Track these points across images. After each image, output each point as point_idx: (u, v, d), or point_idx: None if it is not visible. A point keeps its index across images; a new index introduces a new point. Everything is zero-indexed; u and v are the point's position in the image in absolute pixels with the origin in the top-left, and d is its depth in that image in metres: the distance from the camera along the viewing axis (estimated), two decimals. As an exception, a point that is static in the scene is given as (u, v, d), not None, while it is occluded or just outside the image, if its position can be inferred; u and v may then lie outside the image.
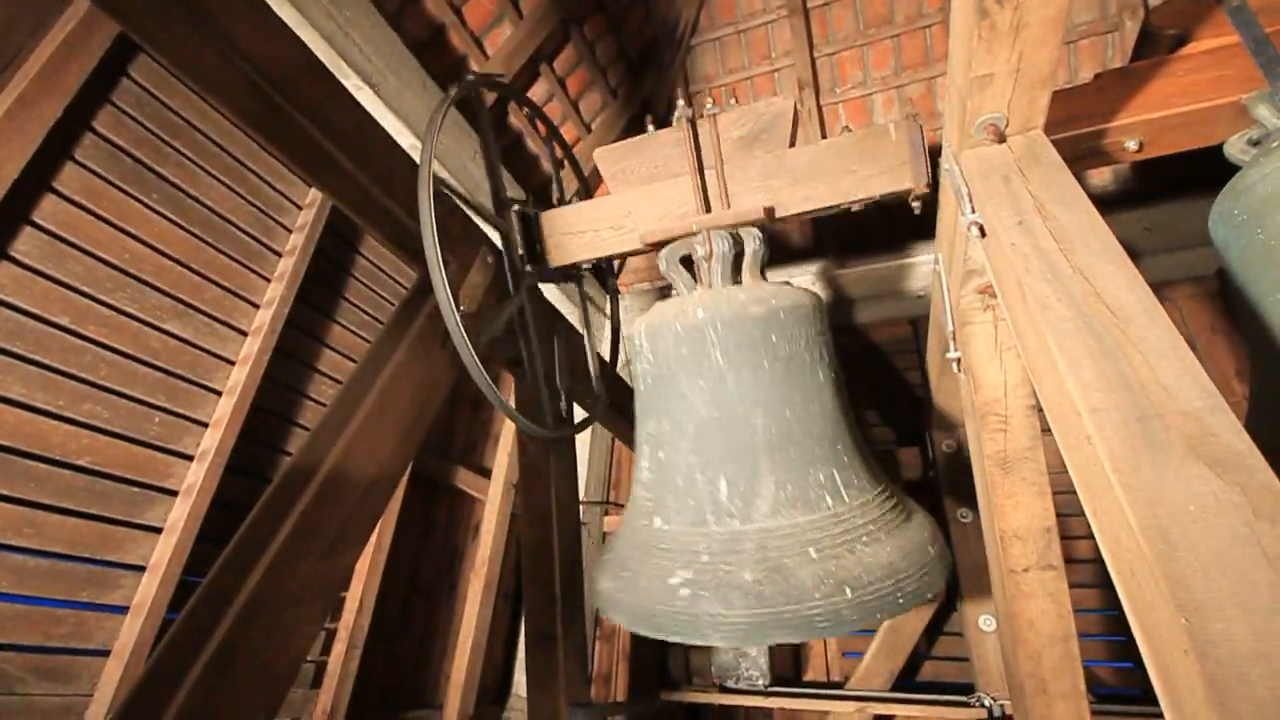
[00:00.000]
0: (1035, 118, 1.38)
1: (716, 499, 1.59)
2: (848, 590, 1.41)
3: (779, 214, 1.87)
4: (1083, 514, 0.92)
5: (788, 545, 1.49)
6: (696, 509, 1.61)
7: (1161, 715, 0.73)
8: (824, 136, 4.60)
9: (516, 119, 3.48)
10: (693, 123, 1.97)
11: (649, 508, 1.74)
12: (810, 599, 1.39)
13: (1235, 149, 1.60)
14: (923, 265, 3.67)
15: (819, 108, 4.60)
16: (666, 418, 1.76)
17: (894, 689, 3.20)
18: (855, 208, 1.88)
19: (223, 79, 1.57)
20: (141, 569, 2.15)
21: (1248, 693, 0.56)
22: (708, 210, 1.92)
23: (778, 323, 1.68)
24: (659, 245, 1.94)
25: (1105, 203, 1.20)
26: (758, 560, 1.47)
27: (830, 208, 1.86)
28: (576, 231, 2.21)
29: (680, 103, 1.96)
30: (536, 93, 3.71)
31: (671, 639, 1.49)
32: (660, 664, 3.72)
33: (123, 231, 2.20)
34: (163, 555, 2.16)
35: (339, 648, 2.95)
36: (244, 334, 2.54)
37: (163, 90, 2.33)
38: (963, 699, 2.78)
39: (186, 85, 2.33)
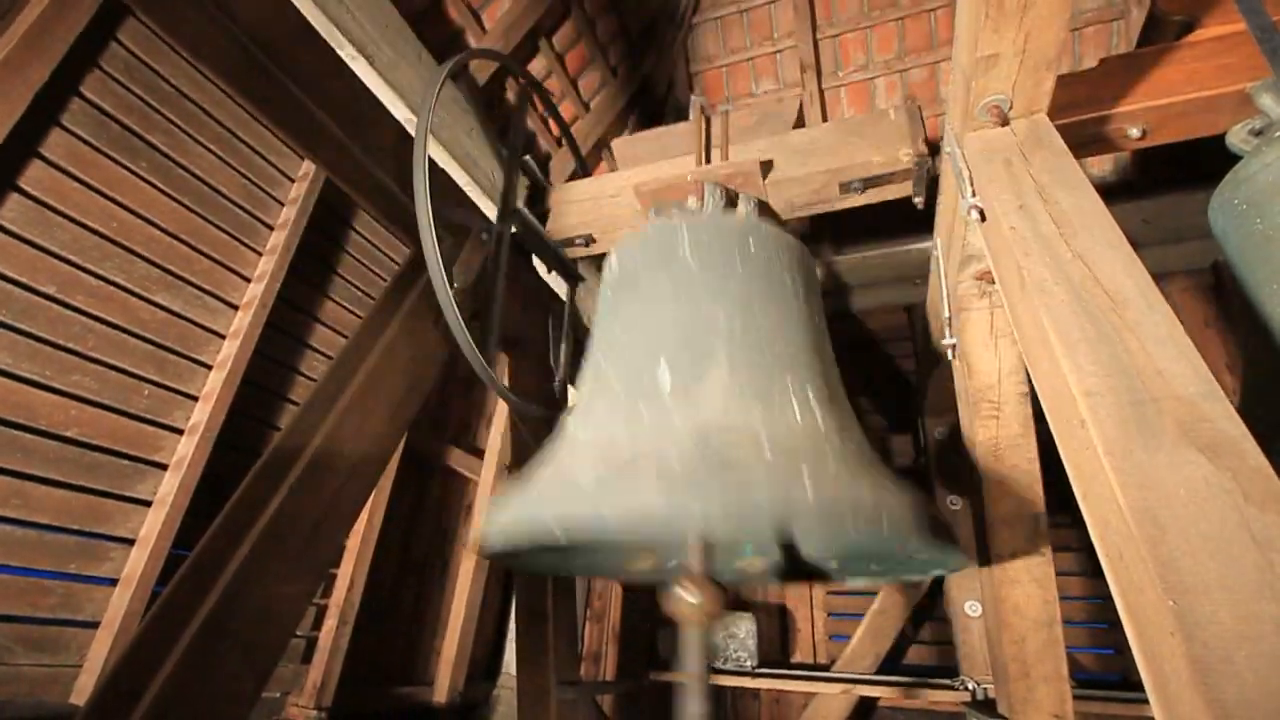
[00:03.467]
0: (1039, 101, 1.37)
1: (657, 385, 1.27)
2: (809, 491, 1.02)
3: (775, 175, 1.87)
4: (1070, 502, 0.92)
5: (737, 440, 1.13)
6: (629, 405, 1.27)
7: (1142, 700, 0.73)
8: (825, 120, 4.56)
9: (513, 95, 3.43)
10: (707, 118, 2.02)
11: (577, 420, 1.39)
12: (759, 497, 1.02)
13: (1237, 138, 1.59)
14: (920, 252, 3.65)
15: (820, 91, 4.55)
16: (619, 322, 1.51)
17: (879, 672, 3.24)
18: (854, 190, 1.88)
19: (214, 44, 1.53)
20: (131, 542, 2.14)
21: (1233, 674, 0.56)
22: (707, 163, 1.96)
23: (757, 233, 1.54)
24: (654, 198, 1.94)
25: (1105, 193, 1.19)
26: (696, 452, 1.10)
27: (828, 172, 1.88)
28: (576, 200, 2.22)
29: (695, 97, 2.04)
30: (534, 69, 3.65)
31: (571, 538, 1.12)
32: (649, 644, 3.75)
33: (111, 200, 2.15)
34: (152, 528, 2.15)
35: (330, 623, 2.96)
36: (235, 307, 2.51)
37: (152, 56, 2.27)
38: (947, 682, 2.82)
39: (177, 51, 2.28)
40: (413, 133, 1.79)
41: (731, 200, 1.85)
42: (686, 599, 0.96)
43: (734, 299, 1.42)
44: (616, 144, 2.14)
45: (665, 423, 1.20)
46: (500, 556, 1.44)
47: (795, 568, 1.50)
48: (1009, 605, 1.74)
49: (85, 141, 2.09)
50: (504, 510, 1.19)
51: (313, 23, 1.83)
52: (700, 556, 1.04)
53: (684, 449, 1.11)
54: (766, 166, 1.85)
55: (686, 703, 0.88)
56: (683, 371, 1.29)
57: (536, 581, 2.43)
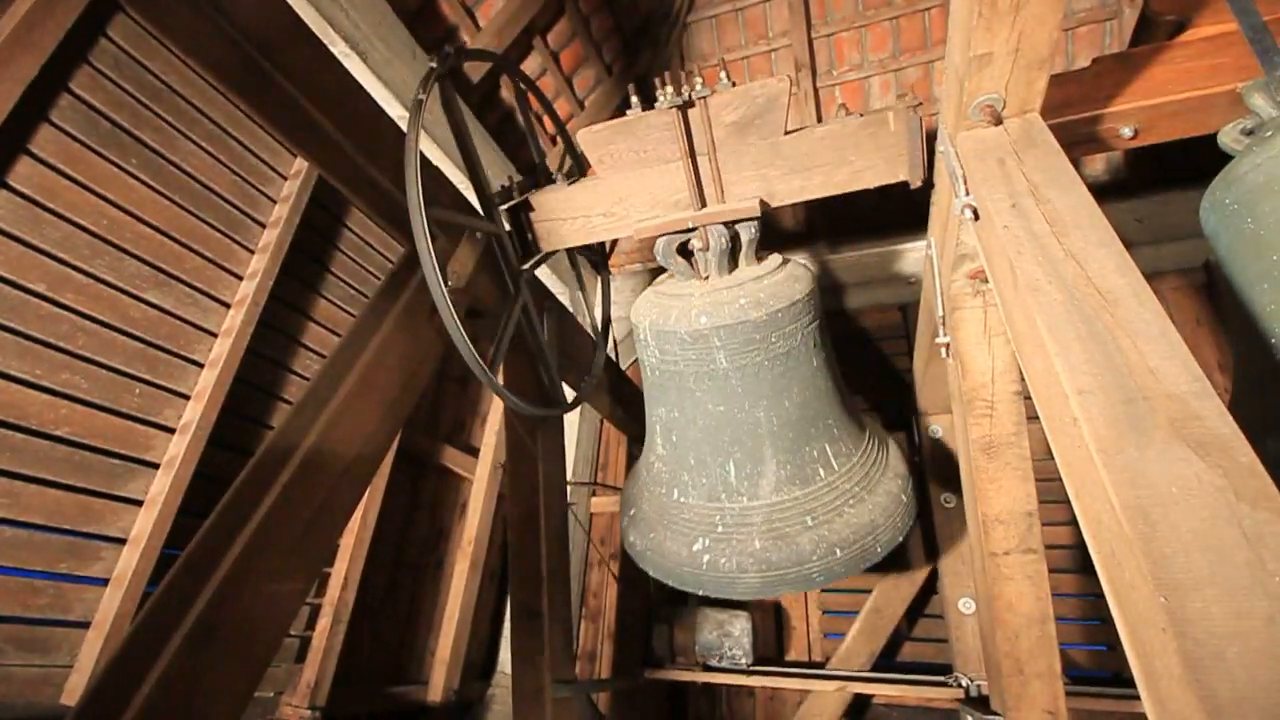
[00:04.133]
0: (1032, 100, 1.37)
1: (727, 481, 1.87)
2: (838, 551, 1.78)
3: (773, 204, 1.85)
4: (1062, 500, 0.92)
5: (789, 516, 1.82)
6: (710, 488, 1.90)
7: (1134, 696, 0.74)
8: (820, 119, 4.57)
9: (508, 92, 3.42)
10: (684, 110, 1.90)
11: (666, 479, 2.01)
12: (808, 561, 1.77)
13: (1229, 138, 1.60)
14: (914, 252, 3.67)
15: (815, 90, 4.56)
16: (677, 408, 1.95)
17: (874, 669, 3.25)
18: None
19: (204, 40, 1.52)
20: (122, 541, 2.13)
21: (1225, 670, 0.56)
22: (702, 203, 1.90)
23: (775, 324, 1.80)
24: (654, 238, 1.93)
25: (1097, 192, 1.19)
26: (764, 531, 1.80)
27: (826, 185, 1.85)
28: (568, 217, 2.17)
29: (668, 88, 1.88)
30: (529, 67, 3.64)
31: (696, 592, 1.89)
32: (644, 643, 3.76)
33: (101, 197, 2.14)
34: (143, 528, 2.14)
35: (324, 623, 2.95)
36: (226, 306, 2.49)
37: (143, 52, 2.26)
38: (941, 679, 2.83)
39: (167, 47, 2.26)
40: (406, 130, 1.78)
41: (733, 232, 1.87)
42: None
43: (766, 396, 1.82)
44: (583, 137, 2.02)
45: (740, 506, 1.87)
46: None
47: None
48: (1002, 602, 1.74)
49: (75, 138, 2.08)
50: (642, 546, 2.03)
51: (305, 19, 1.81)
52: None
53: (755, 527, 1.82)
54: (764, 205, 1.83)
55: None
56: (744, 469, 1.87)
57: (531, 580, 2.42)
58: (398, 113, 2.17)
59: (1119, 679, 2.98)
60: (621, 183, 2.01)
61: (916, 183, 1.73)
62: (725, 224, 1.84)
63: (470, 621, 3.62)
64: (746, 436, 1.85)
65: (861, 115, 1.80)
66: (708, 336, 1.82)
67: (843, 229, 3.97)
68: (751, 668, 3.31)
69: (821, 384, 1.90)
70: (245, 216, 2.58)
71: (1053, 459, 0.97)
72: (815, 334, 1.88)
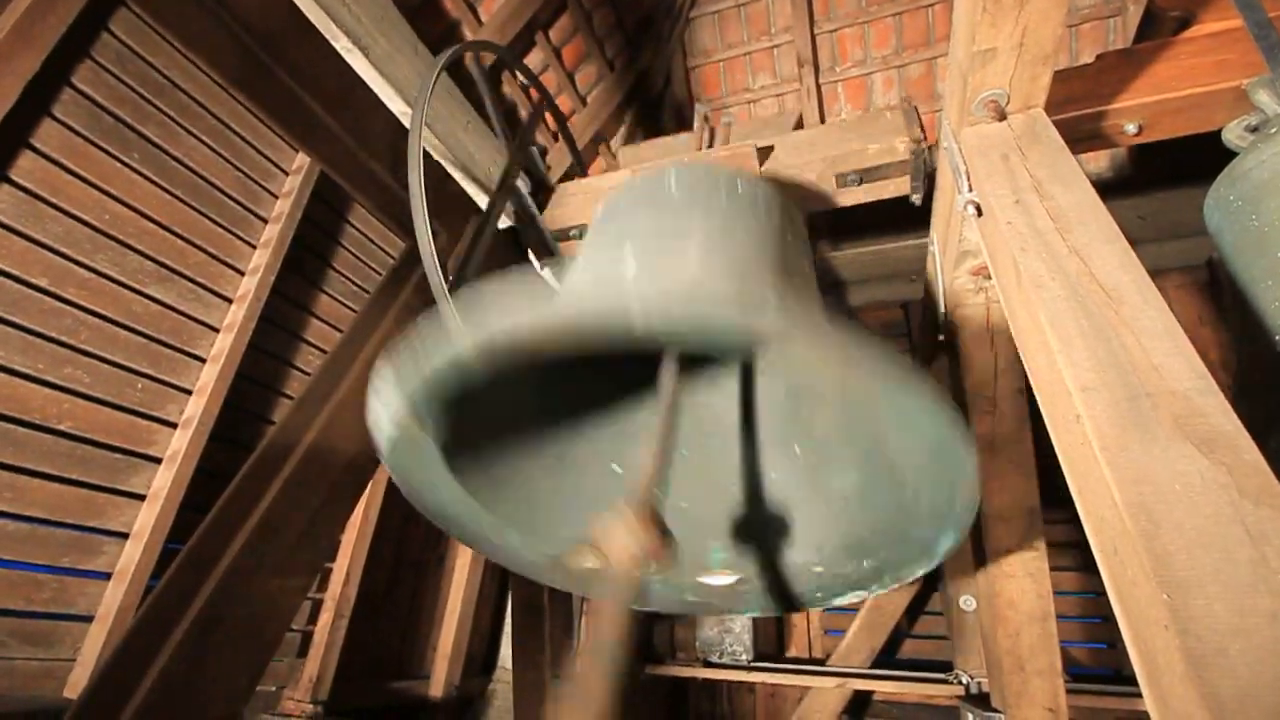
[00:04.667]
0: (1036, 95, 1.36)
1: (621, 270, 1.28)
2: (775, 316, 1.05)
3: (771, 163, 1.87)
4: (1064, 497, 0.92)
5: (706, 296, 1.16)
6: (595, 286, 1.32)
7: (1136, 694, 0.73)
8: (822, 116, 4.55)
9: (510, 88, 3.41)
10: (710, 127, 2.03)
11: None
12: (726, 314, 1.04)
13: (1233, 135, 1.59)
14: (916, 248, 3.66)
15: (818, 86, 4.54)
16: (591, 245, 1.51)
17: (874, 666, 3.26)
18: (851, 182, 1.88)
19: (207, 35, 1.52)
20: (124, 536, 2.13)
21: (1227, 668, 0.56)
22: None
23: (745, 177, 1.55)
24: None
25: (1101, 189, 1.19)
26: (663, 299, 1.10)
27: (825, 160, 1.88)
28: (574, 194, 2.23)
29: (699, 105, 2.06)
30: (531, 62, 3.64)
31: (517, 353, 1.01)
32: (645, 638, 3.76)
33: (103, 192, 2.14)
34: (146, 522, 2.14)
35: (325, 617, 2.96)
36: (228, 301, 2.49)
37: (145, 46, 2.25)
38: (941, 676, 2.83)
39: (169, 42, 2.26)
40: (408, 125, 1.78)
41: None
42: (621, 532, 0.73)
43: (713, 214, 1.39)
44: (621, 151, 2.16)
45: (626, 286, 1.20)
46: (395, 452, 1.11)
47: (772, 588, 1.36)
48: (1004, 600, 1.75)
49: (77, 133, 2.08)
50: (396, 364, 0.98)
51: (307, 14, 1.81)
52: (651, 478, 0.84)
53: (642, 294, 1.09)
54: (764, 153, 1.85)
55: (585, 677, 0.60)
56: (649, 258, 1.26)
57: (532, 576, 2.43)
58: (399, 108, 2.16)
59: (1120, 676, 2.98)
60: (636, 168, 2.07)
61: (912, 146, 1.77)
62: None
63: (472, 617, 3.62)
64: (675, 235, 1.38)
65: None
66: (664, 173, 1.59)
67: (843, 226, 3.96)
68: (752, 664, 3.32)
69: (792, 260, 1.48)
70: (247, 212, 2.58)
71: (1055, 456, 0.97)
72: (792, 228, 1.57)
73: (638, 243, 1.31)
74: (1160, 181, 3.31)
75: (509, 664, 3.63)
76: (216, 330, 2.45)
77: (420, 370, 0.94)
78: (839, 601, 1.35)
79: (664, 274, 1.18)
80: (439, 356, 0.93)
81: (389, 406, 0.99)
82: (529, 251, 2.47)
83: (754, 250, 1.32)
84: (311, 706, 2.79)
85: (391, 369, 0.96)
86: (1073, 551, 3.27)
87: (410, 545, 3.60)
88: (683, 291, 1.06)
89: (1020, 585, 1.74)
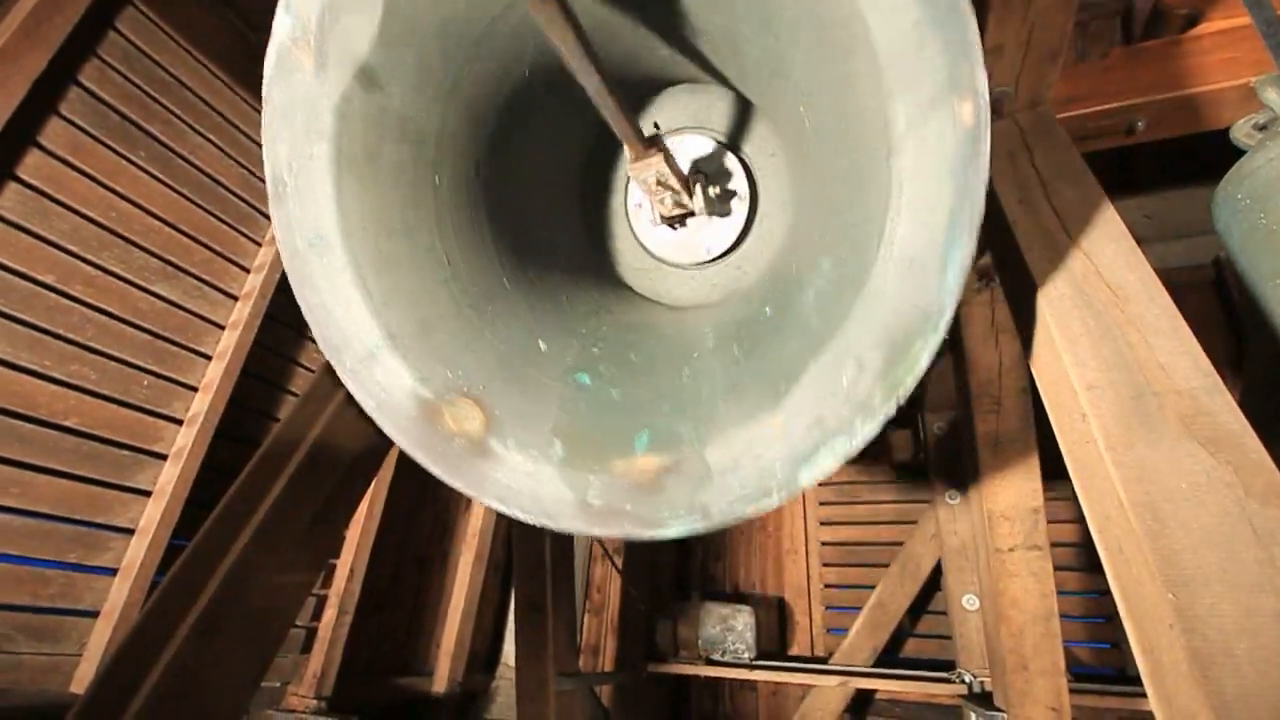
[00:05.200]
0: (1043, 93, 1.36)
1: None
2: None
3: None
4: (1068, 496, 0.92)
5: None
6: None
7: (1140, 694, 0.73)
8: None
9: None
10: None
11: None
12: None
13: (1241, 133, 1.58)
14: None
15: (822, 84, 4.53)
16: None
17: (877, 664, 3.25)
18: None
19: (213, 33, 1.52)
20: (130, 532, 2.15)
21: (1233, 667, 0.56)
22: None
23: None
24: None
25: (1107, 188, 1.18)
26: None
27: None
28: None
29: None
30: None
31: None
32: (647, 637, 3.77)
33: (110, 190, 2.15)
34: (151, 519, 2.16)
35: (329, 614, 2.97)
36: (234, 298, 2.50)
37: (151, 45, 2.26)
38: (944, 675, 2.83)
39: (176, 40, 2.27)
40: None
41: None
42: None
43: None
44: None
45: None
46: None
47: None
48: (1007, 599, 1.74)
49: (84, 131, 2.09)
50: None
51: (312, 11, 1.81)
52: None
53: None
54: None
55: None
56: None
57: (535, 573, 2.43)
58: (404, 106, 2.16)
59: (1124, 676, 2.97)
60: None
61: None
62: None
63: (475, 614, 3.63)
64: None
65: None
66: None
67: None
68: (754, 662, 3.32)
69: None
70: (253, 209, 2.59)
71: (1059, 455, 0.96)
72: None
73: None
74: (1167, 180, 3.30)
75: (512, 661, 3.64)
76: (222, 327, 2.46)
77: None
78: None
79: None
80: None
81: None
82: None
83: None
84: (315, 702, 2.80)
85: None
86: (1076, 550, 3.26)
87: (414, 542, 3.61)
88: None
89: (1024, 584, 1.74)
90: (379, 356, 0.92)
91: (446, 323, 0.97)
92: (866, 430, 0.72)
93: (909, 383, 0.71)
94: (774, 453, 0.76)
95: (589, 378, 1.00)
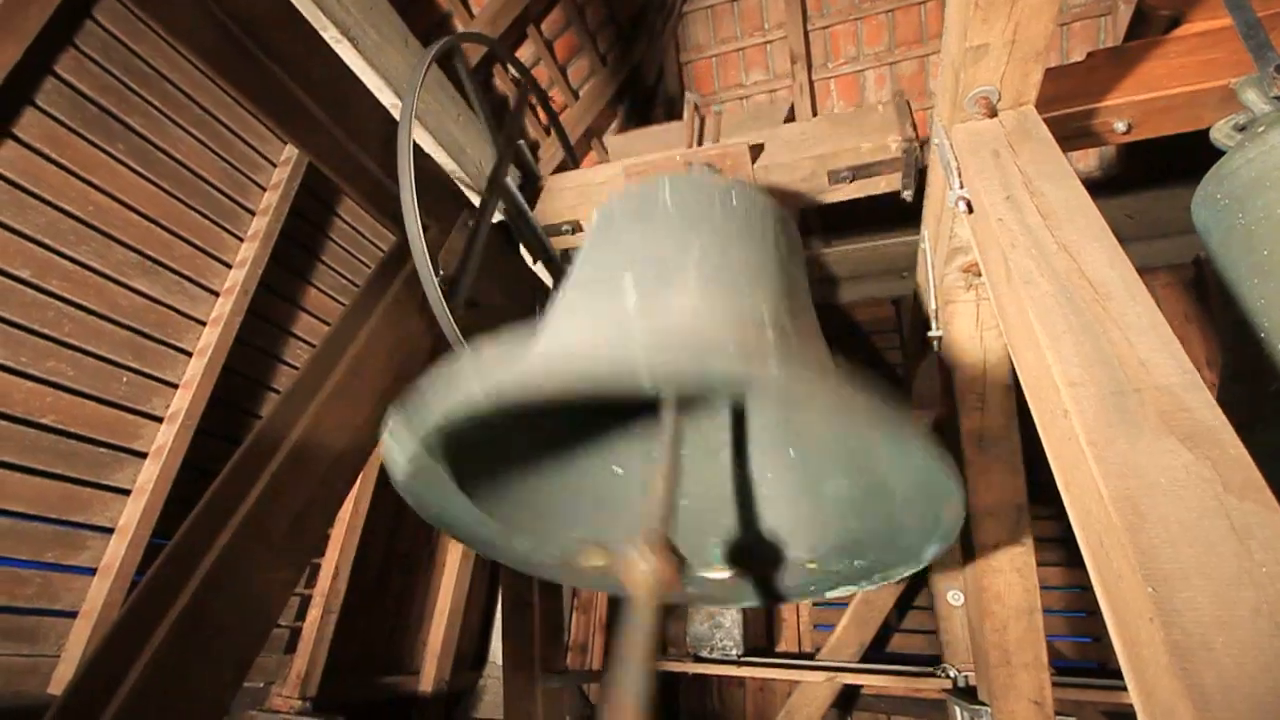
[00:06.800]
0: (1028, 92, 1.37)
1: (622, 300, 1.21)
2: (773, 364, 0.99)
3: (763, 160, 1.87)
4: (1051, 492, 0.93)
5: (701, 337, 1.10)
6: (589, 317, 1.26)
7: (1120, 686, 0.74)
8: (814, 112, 4.56)
9: (501, 82, 3.39)
10: (700, 114, 2.03)
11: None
12: (720, 361, 0.96)
13: (1221, 134, 1.60)
14: (907, 245, 3.67)
15: (810, 82, 4.54)
16: (589, 263, 1.47)
17: (863, 660, 3.28)
18: (843, 179, 1.88)
19: (193, 23, 1.50)
20: (110, 531, 2.11)
21: (1211, 660, 0.57)
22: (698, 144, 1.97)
23: (741, 189, 1.55)
24: (641, 179, 1.94)
25: (1090, 188, 1.19)
26: (657, 340, 1.07)
27: (817, 159, 1.88)
28: (565, 188, 2.22)
29: (689, 94, 2.05)
30: (523, 56, 3.61)
31: (501, 404, 1.00)
32: (636, 634, 3.76)
33: (87, 183, 2.11)
34: (131, 517, 2.12)
35: (314, 613, 2.94)
36: (215, 294, 2.47)
37: (130, 35, 2.22)
38: (929, 669, 2.85)
39: (155, 30, 2.22)
40: (398, 118, 1.76)
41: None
42: (639, 563, 0.79)
43: (710, 234, 1.37)
44: (610, 140, 2.16)
45: (625, 323, 1.15)
46: (408, 484, 1.15)
47: (768, 581, 1.40)
48: (991, 594, 1.76)
49: (60, 122, 2.05)
50: (410, 408, 0.99)
51: (295, 3, 1.79)
52: (661, 516, 0.88)
53: (644, 337, 1.05)
54: (756, 150, 1.85)
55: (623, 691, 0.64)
56: (648, 286, 1.21)
57: (523, 573, 2.42)
58: (389, 100, 2.14)
59: (1105, 670, 3.01)
60: (626, 160, 2.06)
61: (900, 153, 1.79)
62: (712, 166, 1.85)
63: (462, 612, 3.62)
64: (671, 257, 1.41)
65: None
66: (658, 183, 1.61)
67: (835, 222, 3.97)
68: (742, 658, 3.33)
69: (786, 274, 1.48)
70: (234, 204, 2.55)
71: (1042, 452, 0.97)
72: (785, 240, 1.57)
73: (635, 270, 1.29)
74: (1148, 180, 3.34)
75: (499, 659, 3.63)
76: (203, 324, 2.42)
77: (432, 414, 0.97)
78: (830, 595, 1.41)
79: (664, 311, 1.15)
80: (451, 401, 0.95)
81: (404, 447, 1.05)
82: (521, 247, 2.46)
83: (752, 273, 1.32)
84: (300, 702, 2.77)
85: (405, 411, 1.00)
86: (1059, 546, 3.30)
87: (400, 541, 3.58)
88: (684, 338, 1.03)
89: (1007, 580, 1.76)
90: None
91: None
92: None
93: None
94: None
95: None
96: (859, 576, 1.37)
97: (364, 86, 2.01)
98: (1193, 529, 0.66)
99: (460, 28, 3.09)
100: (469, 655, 3.79)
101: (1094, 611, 3.25)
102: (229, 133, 2.54)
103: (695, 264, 1.28)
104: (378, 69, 2.08)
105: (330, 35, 1.92)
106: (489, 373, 0.93)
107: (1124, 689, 0.68)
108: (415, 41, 2.26)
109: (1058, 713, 1.72)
